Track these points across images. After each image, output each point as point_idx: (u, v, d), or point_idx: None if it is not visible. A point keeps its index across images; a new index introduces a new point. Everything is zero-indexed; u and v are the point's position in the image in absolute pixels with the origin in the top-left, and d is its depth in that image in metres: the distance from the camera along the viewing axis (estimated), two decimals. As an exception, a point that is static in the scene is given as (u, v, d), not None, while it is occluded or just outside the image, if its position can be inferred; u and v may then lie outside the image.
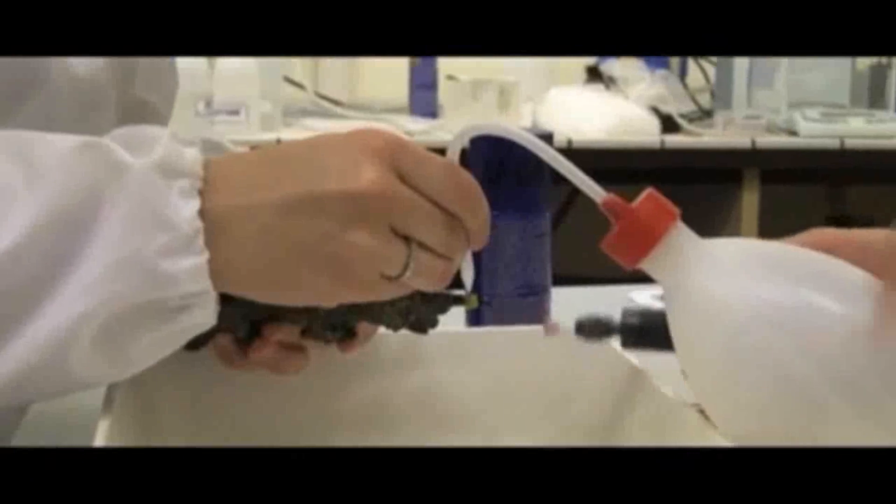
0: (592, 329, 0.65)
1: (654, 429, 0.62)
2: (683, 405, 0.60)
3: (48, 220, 0.53)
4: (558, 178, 0.60)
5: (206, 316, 0.56)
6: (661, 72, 2.36)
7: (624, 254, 0.57)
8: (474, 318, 0.85)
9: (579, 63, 2.52)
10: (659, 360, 0.63)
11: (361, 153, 0.56)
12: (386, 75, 2.42)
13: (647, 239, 0.57)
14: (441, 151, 0.60)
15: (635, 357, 0.67)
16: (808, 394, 0.53)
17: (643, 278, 0.60)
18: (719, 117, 2.30)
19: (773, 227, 0.67)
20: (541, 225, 0.85)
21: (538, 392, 0.71)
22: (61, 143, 0.55)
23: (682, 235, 0.57)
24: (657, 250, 0.57)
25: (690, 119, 2.33)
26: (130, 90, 0.74)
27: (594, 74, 2.44)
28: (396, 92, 2.39)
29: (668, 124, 2.28)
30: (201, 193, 0.56)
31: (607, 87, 2.37)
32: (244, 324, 0.64)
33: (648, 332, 0.64)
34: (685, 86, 2.42)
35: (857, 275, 0.56)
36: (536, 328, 0.74)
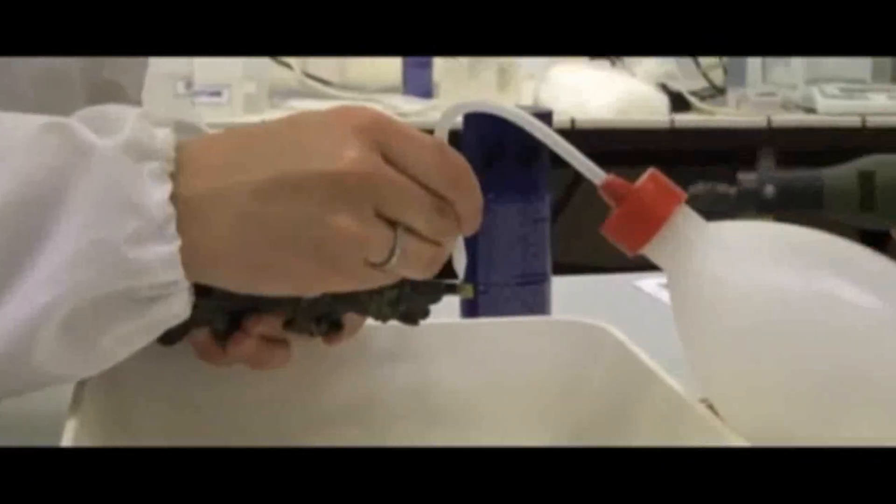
0: (706, 198, 0.64)
1: (662, 425, 0.62)
2: (692, 400, 0.59)
3: (7, 205, 0.53)
4: (561, 160, 0.59)
5: (179, 307, 0.56)
6: (670, 47, 2.36)
7: (625, 238, 0.57)
8: (469, 309, 0.85)
9: (584, 38, 2.51)
10: (666, 352, 0.62)
11: (343, 132, 0.56)
12: (378, 53, 2.41)
13: (650, 222, 0.56)
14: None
15: (641, 349, 0.66)
16: (827, 390, 0.53)
17: (650, 266, 0.60)
18: (732, 95, 2.30)
19: (791, 211, 0.67)
20: (540, 209, 0.84)
21: (538, 387, 0.70)
22: (22, 124, 0.55)
23: (687, 219, 0.57)
24: (661, 235, 0.56)
25: (702, 97, 2.32)
26: (99, 72, 0.73)
27: (599, 50, 2.44)
28: (389, 71, 2.38)
29: (678, 103, 2.27)
30: (173, 177, 0.55)
31: (613, 63, 2.37)
32: (222, 316, 0.64)
33: (780, 194, 0.63)
34: (696, 62, 2.42)
35: (881, 261, 0.55)
36: (536, 319, 0.74)
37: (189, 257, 0.55)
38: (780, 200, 0.64)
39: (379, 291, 0.64)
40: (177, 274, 0.55)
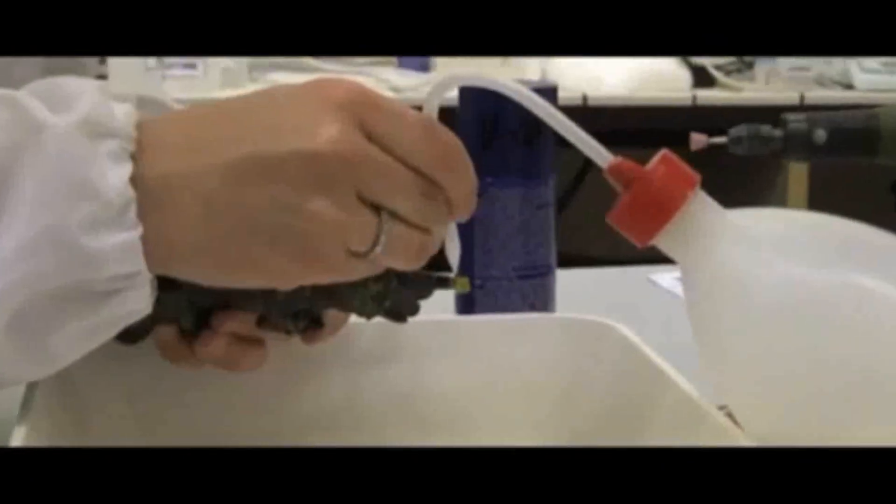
0: (748, 142, 0.64)
1: (673, 433, 0.62)
2: (708, 406, 0.59)
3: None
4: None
5: (139, 302, 0.56)
6: (692, 16, 2.36)
7: (634, 228, 0.57)
8: (464, 304, 0.85)
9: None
10: (683, 353, 0.62)
11: (321, 107, 0.56)
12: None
13: (662, 210, 0.56)
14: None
15: (653, 350, 0.66)
16: (856, 394, 0.53)
17: (669, 258, 0.59)
18: (761, 69, 2.30)
19: (825, 198, 0.66)
20: (543, 193, 0.84)
21: (539, 391, 0.70)
22: (-33, 98, 0.55)
23: (702, 205, 0.57)
24: (673, 223, 0.56)
25: (727, 71, 2.32)
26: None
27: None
28: (382, 41, 2.38)
29: (701, 77, 2.27)
30: (134, 157, 0.55)
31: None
32: (189, 312, 0.64)
33: (832, 137, 0.63)
34: (722, 32, 2.42)
35: None
36: (538, 316, 0.74)
37: (151, 246, 0.55)
38: (832, 144, 0.64)
39: (363, 285, 0.64)
40: (137, 265, 0.55)
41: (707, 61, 2.29)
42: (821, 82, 2.30)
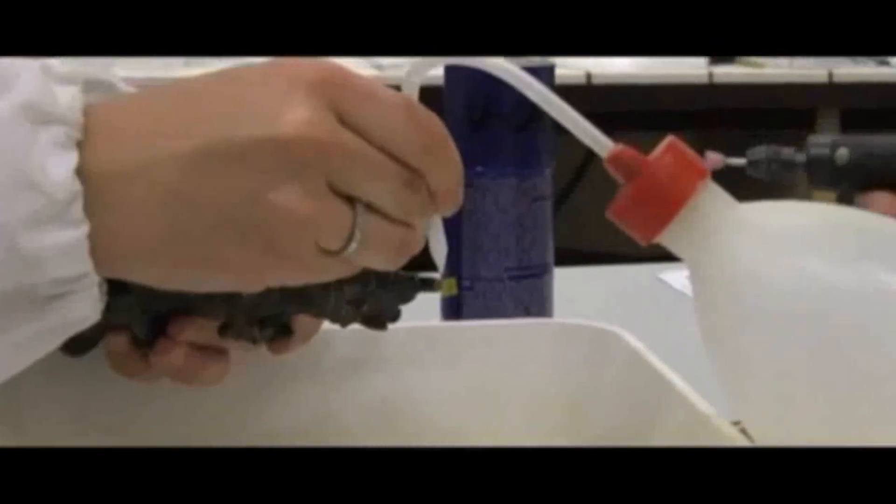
0: (771, 163, 0.64)
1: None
2: (720, 422, 0.60)
3: None
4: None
5: (86, 308, 0.56)
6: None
7: (637, 223, 0.57)
8: (450, 309, 0.85)
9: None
10: (695, 363, 0.63)
11: (289, 88, 0.56)
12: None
13: (667, 203, 0.56)
14: (420, 91, 0.60)
15: (661, 359, 0.67)
16: (884, 404, 0.53)
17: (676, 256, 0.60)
18: (786, 43, 2.30)
19: (871, 184, 0.67)
20: (539, 184, 0.85)
21: (535, 407, 0.71)
22: None
23: (713, 198, 0.57)
24: (680, 218, 0.56)
25: (748, 45, 2.33)
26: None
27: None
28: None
29: (719, 53, 2.28)
30: (80, 146, 0.56)
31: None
32: (143, 319, 0.64)
33: (858, 161, 0.63)
34: (741, 2, 2.42)
35: None
36: (533, 322, 0.74)
37: (99, 246, 0.55)
38: (858, 169, 0.65)
39: (337, 287, 0.64)
40: (83, 266, 0.55)
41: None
42: (852, 57, 2.30)
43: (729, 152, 0.61)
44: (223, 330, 0.65)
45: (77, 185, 0.55)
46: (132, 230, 0.56)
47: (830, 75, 2.24)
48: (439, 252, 0.63)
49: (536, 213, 0.85)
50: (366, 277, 0.64)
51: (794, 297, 0.55)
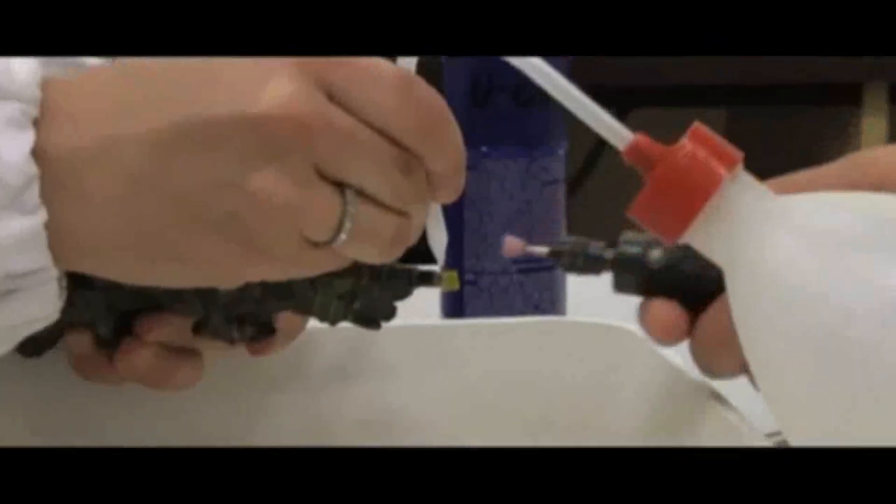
0: (575, 259, 0.65)
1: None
2: (753, 434, 0.60)
3: None
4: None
5: (44, 305, 0.56)
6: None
7: (660, 221, 0.57)
8: (451, 306, 0.85)
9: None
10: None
11: (272, 62, 0.56)
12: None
13: (691, 197, 0.56)
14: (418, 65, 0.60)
15: (684, 360, 0.67)
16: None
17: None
18: None
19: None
20: (551, 166, 0.85)
21: (546, 412, 0.71)
22: None
23: (745, 190, 0.56)
24: (707, 214, 0.56)
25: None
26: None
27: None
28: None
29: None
30: (38, 125, 0.56)
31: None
32: (107, 316, 0.65)
33: (659, 273, 0.64)
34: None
35: None
36: (543, 320, 0.75)
37: (59, 236, 0.55)
38: (669, 273, 0.65)
39: (326, 282, 0.64)
40: (40, 259, 0.55)
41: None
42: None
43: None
44: (197, 329, 0.66)
45: (33, 169, 0.55)
46: (95, 219, 0.56)
47: (878, 45, 2.24)
48: (439, 242, 0.63)
49: (547, 199, 0.85)
50: (357, 271, 0.64)
51: (846, 305, 0.53)
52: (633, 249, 0.65)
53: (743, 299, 0.57)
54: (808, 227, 0.56)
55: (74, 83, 0.58)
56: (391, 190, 0.58)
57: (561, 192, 0.86)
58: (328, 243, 0.57)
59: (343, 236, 0.57)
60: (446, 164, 0.59)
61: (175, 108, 0.56)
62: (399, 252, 0.60)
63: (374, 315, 0.67)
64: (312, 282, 0.64)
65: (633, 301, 0.63)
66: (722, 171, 0.56)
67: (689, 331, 0.64)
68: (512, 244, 0.66)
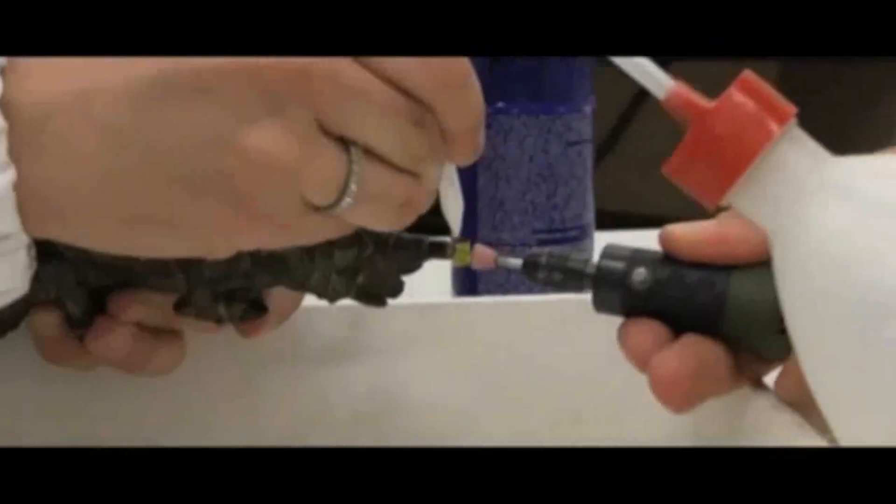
0: (552, 273, 0.65)
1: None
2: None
3: None
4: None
5: (11, 277, 0.56)
6: None
7: (699, 181, 0.56)
8: (464, 281, 0.86)
9: None
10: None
11: (269, 3, 0.56)
12: None
13: (739, 154, 0.56)
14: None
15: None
16: None
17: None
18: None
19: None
20: (577, 124, 0.85)
21: (566, 398, 0.71)
22: None
23: (797, 148, 0.56)
24: (754, 174, 0.56)
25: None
26: None
27: None
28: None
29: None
30: (4, 74, 0.56)
31: None
32: (78, 292, 0.65)
33: (643, 294, 0.64)
34: None
35: None
36: (566, 298, 0.75)
37: (28, 198, 0.55)
38: (653, 294, 0.65)
39: (325, 253, 0.64)
40: (9, 223, 0.55)
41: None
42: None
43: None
44: (179, 306, 0.66)
45: (0, 122, 0.55)
46: (69, 179, 0.56)
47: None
48: (454, 210, 0.63)
49: (573, 161, 0.85)
50: (361, 241, 0.64)
51: (894, 286, 0.54)
52: (616, 265, 0.65)
53: (789, 268, 0.57)
54: (867, 195, 0.56)
55: None
56: (402, 148, 0.58)
57: (588, 154, 0.85)
58: (330, 207, 0.57)
59: (347, 199, 0.57)
60: (464, 121, 0.59)
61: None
62: (410, 219, 0.60)
63: (378, 291, 0.67)
64: (310, 253, 0.64)
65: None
66: (773, 125, 0.56)
67: None
68: (482, 255, 0.66)
